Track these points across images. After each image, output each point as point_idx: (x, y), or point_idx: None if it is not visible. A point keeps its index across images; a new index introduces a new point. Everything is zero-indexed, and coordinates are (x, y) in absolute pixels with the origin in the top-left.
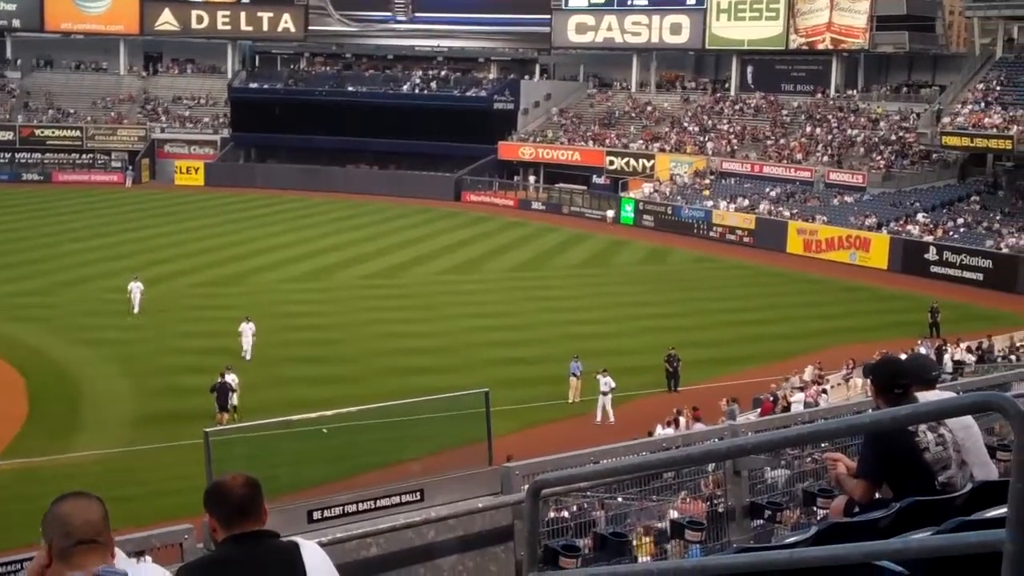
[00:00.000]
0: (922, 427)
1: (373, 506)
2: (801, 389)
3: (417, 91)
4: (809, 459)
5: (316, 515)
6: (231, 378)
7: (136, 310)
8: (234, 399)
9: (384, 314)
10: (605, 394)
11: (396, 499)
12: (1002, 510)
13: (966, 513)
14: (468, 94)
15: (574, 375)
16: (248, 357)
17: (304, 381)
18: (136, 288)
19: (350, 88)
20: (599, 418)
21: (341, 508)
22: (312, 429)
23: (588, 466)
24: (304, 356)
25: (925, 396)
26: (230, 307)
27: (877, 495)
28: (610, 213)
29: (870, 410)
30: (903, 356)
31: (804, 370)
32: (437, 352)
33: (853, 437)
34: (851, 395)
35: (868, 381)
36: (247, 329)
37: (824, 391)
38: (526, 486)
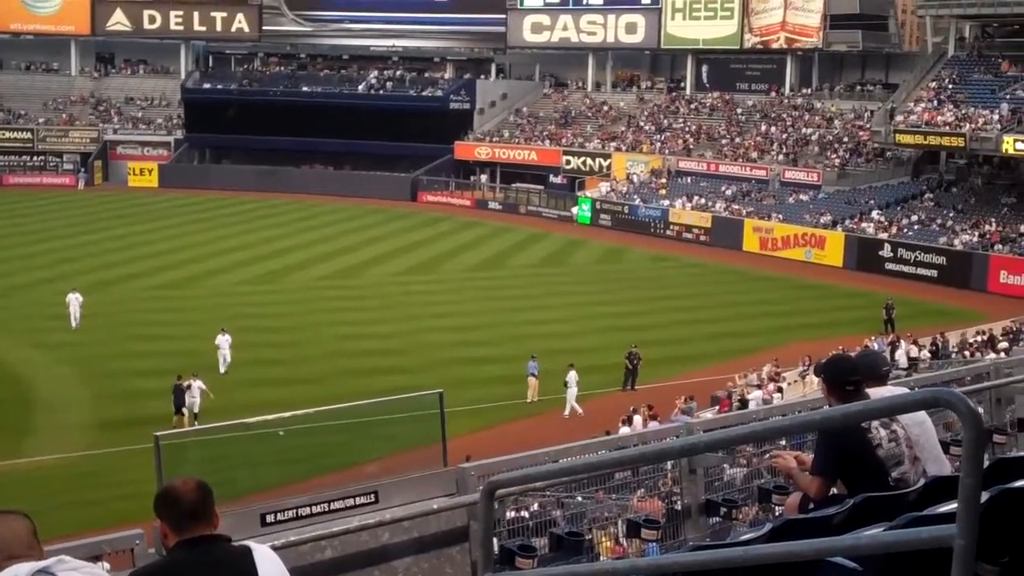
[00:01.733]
0: (875, 423)
1: (327, 508)
2: (758, 386)
3: (372, 91)
4: (768, 456)
5: (269, 518)
6: (198, 384)
7: (75, 324)
8: (196, 406)
9: (342, 315)
10: (568, 386)
11: (350, 501)
12: (953, 505)
13: (919, 508)
14: (424, 94)
15: (532, 375)
16: (223, 371)
17: (261, 383)
18: (75, 300)
19: (305, 88)
20: (567, 411)
21: (294, 511)
22: (268, 432)
23: (543, 465)
24: (261, 358)
25: (877, 392)
26: (185, 310)
27: (832, 491)
28: (574, 211)
29: (824, 408)
30: (854, 353)
31: (762, 368)
32: (395, 353)
33: (811, 434)
34: (807, 392)
35: (820, 380)
36: (223, 342)
37: (780, 388)
38: (480, 487)
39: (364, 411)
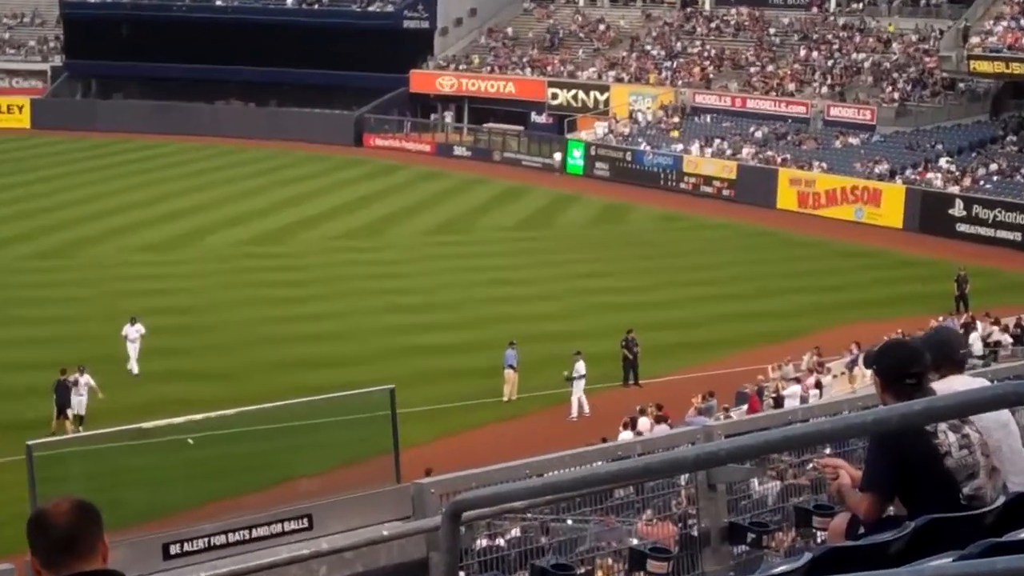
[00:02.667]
0: (942, 426)
1: (248, 536)
2: (796, 380)
3: (305, 6)
4: (810, 467)
5: (174, 549)
6: (86, 380)
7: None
8: (82, 406)
9: (266, 292)
10: (572, 379)
11: (278, 527)
12: None
13: (997, 534)
14: (370, 9)
15: (510, 367)
16: (136, 371)
17: (165, 378)
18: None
19: (218, 2)
20: (574, 413)
21: (206, 540)
22: (172, 440)
23: (522, 481)
24: (163, 347)
25: (948, 385)
26: (67, 284)
27: (888, 512)
28: (557, 156)
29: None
30: (916, 337)
31: (800, 357)
32: (335, 339)
33: (858, 440)
34: (857, 387)
35: (872, 372)
36: (133, 332)
37: (820, 383)
38: (443, 508)
39: (295, 413)
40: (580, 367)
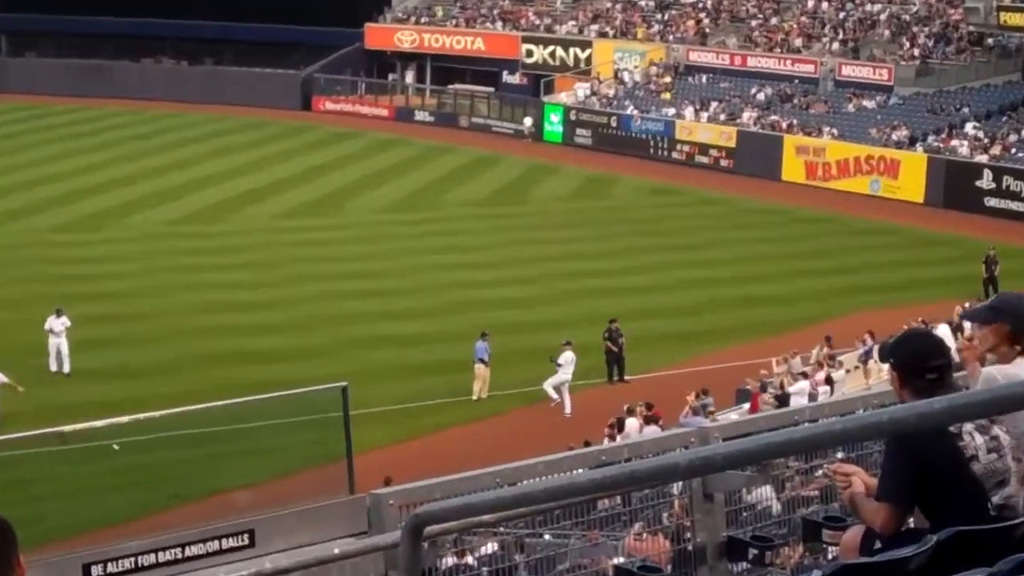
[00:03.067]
0: (968, 427)
1: (180, 556)
2: (804, 375)
3: None
4: (819, 474)
5: (96, 570)
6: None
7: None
8: None
9: (203, 276)
10: (560, 365)
11: (215, 544)
12: None
13: None
14: None
15: (481, 360)
16: (67, 370)
17: (85, 375)
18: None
19: None
20: (567, 408)
21: (133, 560)
22: (95, 446)
23: (493, 491)
24: (86, 339)
25: (1019, 369)
26: None
27: (907, 524)
28: (528, 121)
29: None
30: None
31: (809, 350)
32: (280, 330)
33: (873, 443)
34: (872, 383)
35: (889, 366)
36: (59, 325)
37: (830, 379)
38: (403, 522)
39: (235, 415)
40: (566, 358)
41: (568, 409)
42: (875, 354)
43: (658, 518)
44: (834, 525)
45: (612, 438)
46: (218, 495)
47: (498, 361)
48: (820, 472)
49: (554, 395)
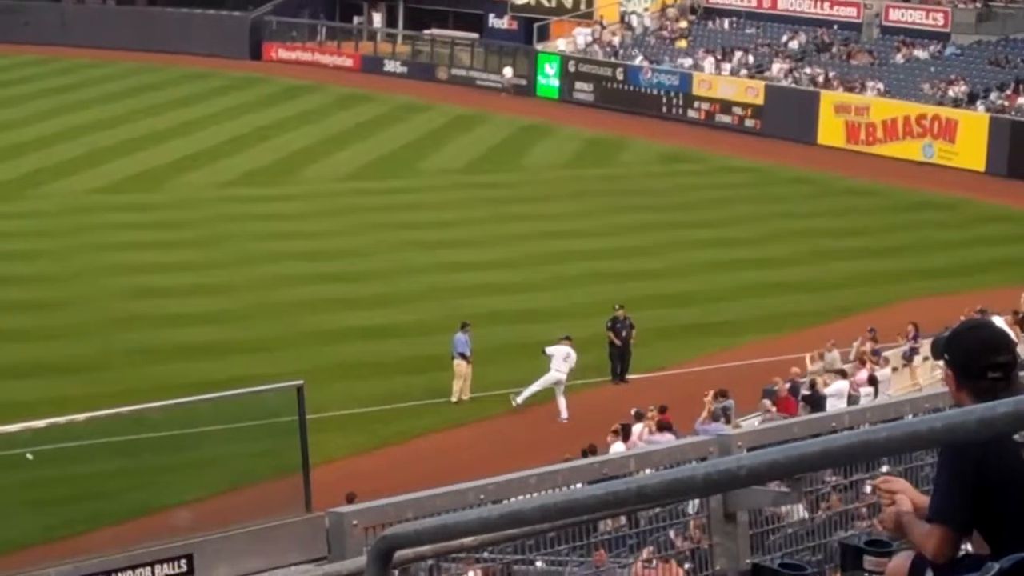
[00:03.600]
0: None
1: None
2: (843, 374)
3: None
4: (869, 489)
5: None
6: None
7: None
8: None
9: (134, 255)
10: (550, 356)
11: (147, 572)
12: None
13: None
14: None
15: (462, 355)
16: None
17: None
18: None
19: None
20: (564, 413)
21: None
22: (5, 455)
23: (473, 510)
24: None
25: None
26: None
27: (964, 549)
28: (507, 73)
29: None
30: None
31: (851, 343)
32: (225, 319)
33: (925, 454)
34: (922, 383)
35: (943, 364)
36: None
37: (874, 378)
38: (369, 546)
39: (172, 419)
40: (560, 353)
41: (564, 414)
42: (925, 349)
43: (670, 542)
44: (878, 551)
45: (613, 446)
46: (151, 513)
47: (482, 357)
48: (868, 489)
49: (564, 408)
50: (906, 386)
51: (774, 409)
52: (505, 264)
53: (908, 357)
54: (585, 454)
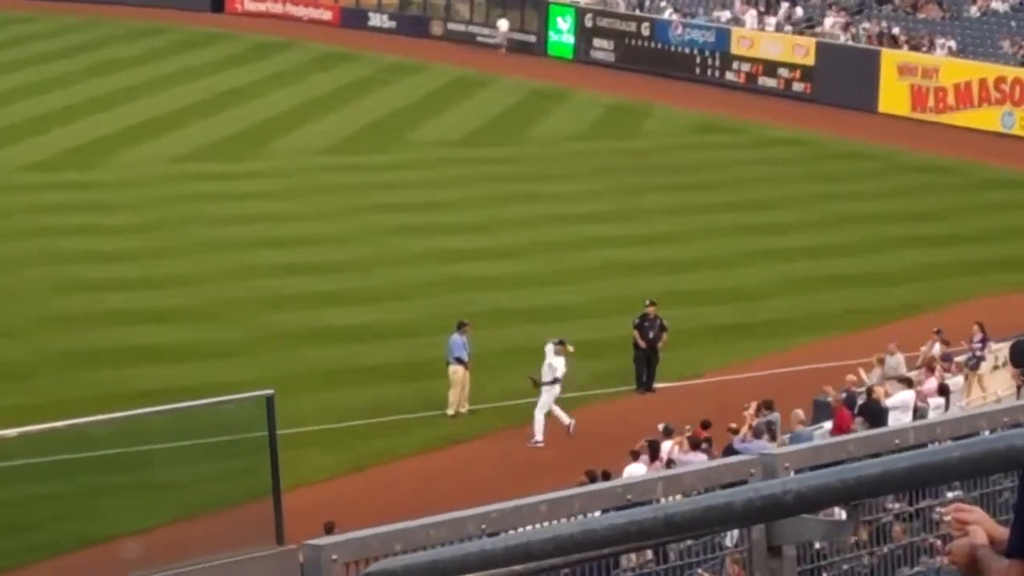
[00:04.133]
0: None
1: None
2: (908, 383)
3: None
4: (942, 517)
5: None
6: None
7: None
8: None
9: (71, 241)
10: (541, 385)
11: None
12: None
13: None
14: None
15: (458, 360)
16: None
17: None
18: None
19: None
20: (538, 435)
21: None
22: None
23: (472, 543)
24: None
25: None
26: None
27: None
28: (503, 26)
29: None
30: None
31: (920, 348)
32: (182, 317)
33: (1003, 478)
34: (1003, 394)
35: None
36: None
37: (945, 388)
38: None
39: (119, 435)
40: (557, 365)
41: (539, 436)
42: (990, 353)
43: None
44: None
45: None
46: (95, 545)
47: (482, 362)
48: (938, 516)
49: (540, 430)
50: (982, 397)
51: (800, 424)
52: (510, 253)
53: (974, 364)
54: (594, 479)
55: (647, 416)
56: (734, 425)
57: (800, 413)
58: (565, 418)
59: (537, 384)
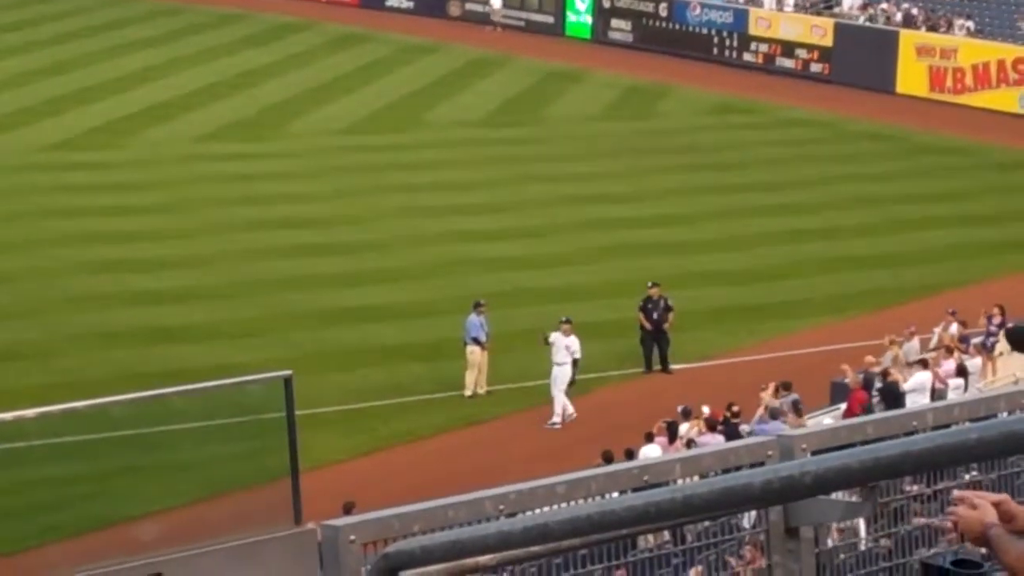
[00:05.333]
0: None
1: None
2: (925, 364)
3: None
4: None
5: None
6: None
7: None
8: None
9: (90, 222)
10: (568, 365)
11: None
12: None
13: None
14: None
15: (476, 341)
16: None
17: None
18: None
19: None
20: (557, 416)
21: None
22: None
23: (491, 523)
24: None
25: None
26: None
27: None
28: (496, 3)
29: None
30: None
31: (933, 328)
32: (200, 297)
33: (1022, 459)
34: (1019, 373)
35: None
36: None
37: (963, 369)
38: (369, 565)
39: (137, 415)
40: (573, 346)
41: (557, 418)
42: (999, 337)
43: (723, 562)
44: (967, 572)
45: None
46: (112, 526)
47: (501, 343)
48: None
49: (560, 410)
50: (1002, 379)
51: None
52: (527, 234)
53: (989, 347)
54: (610, 460)
55: (663, 398)
56: (736, 407)
57: (768, 395)
58: (559, 408)
59: (547, 341)
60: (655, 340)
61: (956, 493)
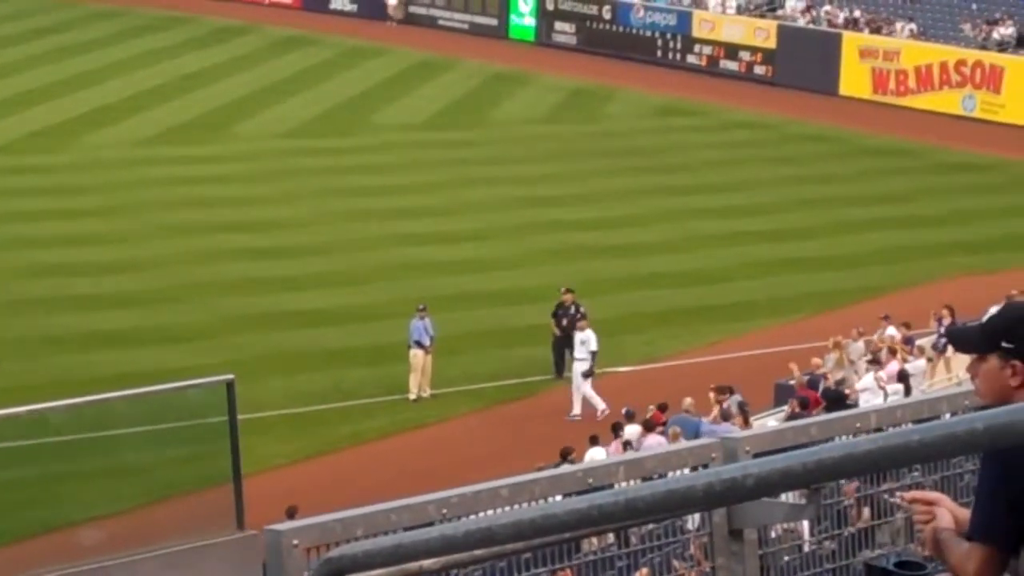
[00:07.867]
0: None
1: None
2: (875, 363)
3: None
4: (895, 502)
5: None
6: None
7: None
8: None
9: (31, 226)
10: (587, 360)
11: None
12: None
13: None
14: None
15: (419, 344)
16: None
17: None
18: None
19: None
20: (577, 409)
21: None
22: None
23: (434, 527)
24: None
25: None
26: None
27: (1011, 572)
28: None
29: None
30: None
31: (875, 331)
32: (141, 301)
33: (964, 460)
34: (962, 375)
35: (997, 355)
36: None
37: (904, 373)
38: (311, 569)
39: (78, 420)
40: (588, 340)
41: (577, 409)
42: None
43: (667, 564)
44: (910, 574)
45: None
46: (55, 532)
47: (444, 345)
48: (894, 499)
49: (579, 404)
50: (944, 381)
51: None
52: (471, 237)
53: (941, 347)
54: (565, 458)
55: (611, 401)
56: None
57: (688, 400)
58: (577, 402)
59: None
60: (564, 346)
61: (912, 493)
